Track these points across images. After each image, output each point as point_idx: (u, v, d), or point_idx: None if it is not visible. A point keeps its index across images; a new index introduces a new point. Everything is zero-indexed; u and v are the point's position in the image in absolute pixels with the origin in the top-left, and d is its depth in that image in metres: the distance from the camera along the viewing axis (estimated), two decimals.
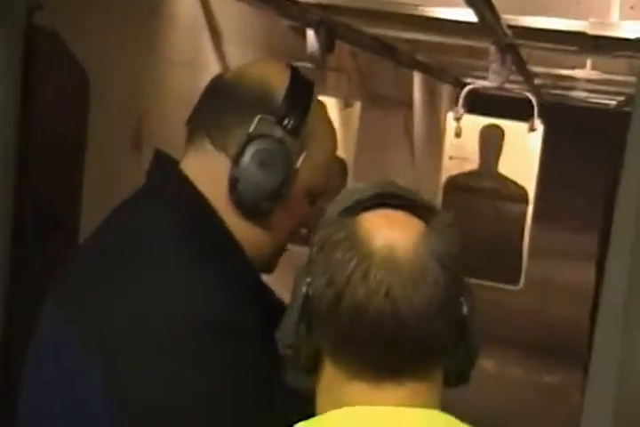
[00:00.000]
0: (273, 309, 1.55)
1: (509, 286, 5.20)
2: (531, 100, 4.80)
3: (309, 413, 1.25)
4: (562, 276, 11.11)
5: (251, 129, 1.53)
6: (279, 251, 1.66)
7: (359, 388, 1.19)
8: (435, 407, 1.20)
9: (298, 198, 1.59)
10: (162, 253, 1.53)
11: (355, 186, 1.28)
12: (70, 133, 2.59)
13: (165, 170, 1.62)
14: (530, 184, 5.46)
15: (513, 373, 7.36)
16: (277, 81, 1.57)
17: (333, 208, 1.24)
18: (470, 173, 5.58)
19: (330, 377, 1.22)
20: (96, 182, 2.75)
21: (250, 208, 1.56)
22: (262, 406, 1.47)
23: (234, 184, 1.54)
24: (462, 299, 1.21)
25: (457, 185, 5.66)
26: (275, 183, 1.54)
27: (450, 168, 5.66)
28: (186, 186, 1.58)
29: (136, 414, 1.42)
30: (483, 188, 5.65)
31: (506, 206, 5.57)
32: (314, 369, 1.24)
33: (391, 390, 1.18)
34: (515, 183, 5.49)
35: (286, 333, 1.24)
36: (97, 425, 1.45)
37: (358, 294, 1.15)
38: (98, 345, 1.45)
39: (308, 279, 1.21)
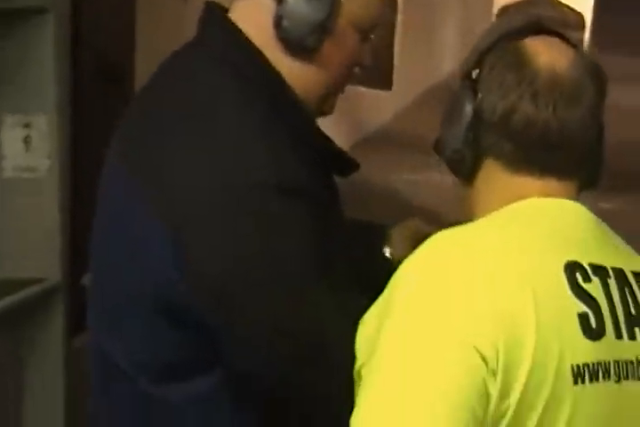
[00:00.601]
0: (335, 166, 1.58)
1: None
2: None
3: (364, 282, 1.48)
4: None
5: None
6: (334, 92, 1.66)
7: (527, 180, 1.43)
8: None
9: (347, 34, 1.58)
10: (221, 111, 1.54)
11: (510, 15, 1.65)
12: None
13: (215, 20, 1.62)
14: (587, 8, 5.35)
15: None
16: None
17: (491, 32, 1.48)
18: (524, 2, 5.46)
19: (494, 175, 1.45)
20: (146, 33, 2.75)
21: (297, 44, 1.56)
22: (326, 269, 1.52)
23: (279, 22, 1.54)
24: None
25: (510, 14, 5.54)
26: (318, 16, 1.54)
27: None
28: (236, 35, 1.58)
29: (206, 282, 1.48)
30: (538, 15, 5.53)
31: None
32: (473, 172, 1.47)
33: (554, 184, 1.43)
34: (571, 9, 5.38)
35: (454, 139, 1.46)
36: (169, 290, 1.50)
37: (529, 109, 1.39)
38: (165, 213, 1.49)
39: (480, 94, 1.43)
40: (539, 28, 1.46)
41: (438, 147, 1.51)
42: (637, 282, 1.40)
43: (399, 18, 8.08)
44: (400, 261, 1.82)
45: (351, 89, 1.71)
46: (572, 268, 1.33)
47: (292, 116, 1.57)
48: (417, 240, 1.79)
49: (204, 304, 1.49)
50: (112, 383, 1.65)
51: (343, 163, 1.67)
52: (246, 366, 1.53)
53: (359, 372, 1.38)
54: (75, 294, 2.60)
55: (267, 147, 1.51)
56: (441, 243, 1.37)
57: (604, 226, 1.46)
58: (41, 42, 2.52)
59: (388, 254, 1.88)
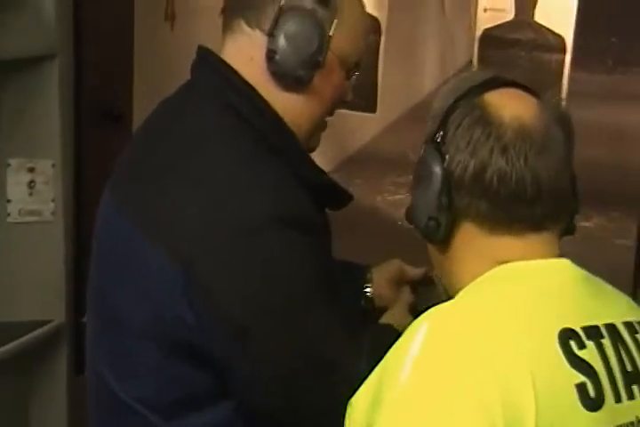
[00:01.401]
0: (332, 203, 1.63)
1: None
2: None
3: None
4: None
5: (282, 2, 1.59)
6: (321, 127, 1.72)
7: (506, 240, 1.39)
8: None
9: (334, 68, 1.64)
10: (214, 152, 1.58)
11: (463, 76, 1.51)
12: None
13: (207, 63, 1.67)
14: (567, 31, 5.40)
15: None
16: None
17: (448, 95, 1.44)
18: (506, 25, 5.53)
19: (471, 239, 1.41)
20: (143, 72, 2.79)
21: (289, 78, 1.61)
22: (332, 299, 1.58)
23: (271, 56, 1.59)
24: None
25: (492, 38, 5.62)
26: (310, 51, 1.60)
27: (484, 20, 5.60)
28: (229, 75, 1.63)
29: (219, 320, 1.51)
30: (519, 39, 5.60)
31: (543, 57, 5.53)
32: (449, 238, 1.42)
33: (535, 240, 1.39)
34: (552, 32, 5.43)
35: (427, 206, 1.41)
36: (180, 328, 1.53)
37: (501, 164, 1.36)
38: (173, 253, 1.52)
39: (447, 156, 1.39)
40: (497, 83, 1.43)
41: (411, 216, 1.46)
42: (630, 334, 1.38)
43: (382, 40, 8.14)
44: (380, 300, 1.86)
45: (336, 112, 1.76)
46: (565, 337, 1.31)
47: (289, 151, 1.62)
48: (398, 282, 1.89)
49: (216, 341, 1.52)
50: (121, 421, 1.66)
51: (338, 195, 1.73)
52: (258, 398, 1.57)
53: None
54: (78, 333, 2.64)
55: (265, 184, 1.55)
56: (432, 329, 1.30)
57: (592, 279, 1.44)
58: (46, 87, 2.56)
59: (369, 294, 1.90)
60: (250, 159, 1.57)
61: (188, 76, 1.70)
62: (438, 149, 1.39)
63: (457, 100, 1.41)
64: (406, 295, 1.86)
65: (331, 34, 1.61)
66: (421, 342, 1.28)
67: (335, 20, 1.61)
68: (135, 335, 1.59)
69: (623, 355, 1.35)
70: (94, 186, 1.80)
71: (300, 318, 1.54)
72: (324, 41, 1.60)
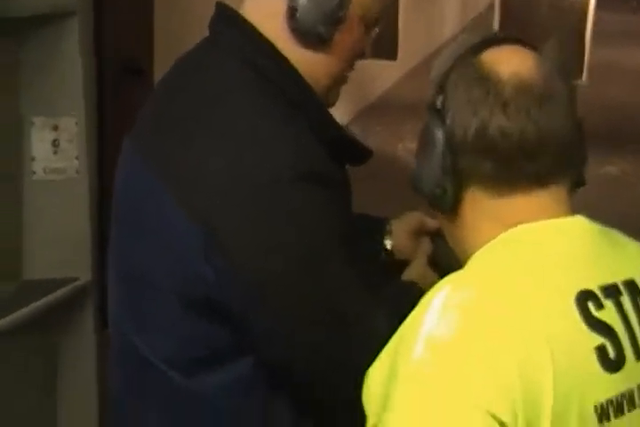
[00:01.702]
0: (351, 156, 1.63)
1: None
2: None
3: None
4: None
5: None
6: (339, 82, 1.71)
7: (515, 201, 1.37)
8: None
9: (354, 25, 1.63)
10: (236, 104, 1.58)
11: (461, 38, 1.47)
12: None
13: (226, 18, 1.67)
14: None
15: None
16: None
17: (447, 58, 1.43)
18: None
19: (479, 203, 1.39)
20: (163, 27, 2.77)
21: (310, 35, 1.61)
22: (352, 253, 1.58)
23: (292, 13, 1.58)
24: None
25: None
26: (331, 6, 1.59)
27: None
28: (248, 32, 1.63)
29: (239, 275, 1.52)
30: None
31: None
32: (457, 204, 1.41)
33: (544, 197, 1.37)
34: None
35: (432, 172, 1.40)
36: (199, 284, 1.54)
37: (501, 120, 1.34)
38: (193, 210, 1.53)
39: (448, 119, 1.37)
40: (494, 41, 1.42)
41: (416, 184, 1.45)
42: None
43: None
44: (400, 252, 1.87)
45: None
46: (583, 299, 1.30)
47: (307, 107, 1.62)
48: (417, 234, 1.90)
49: (235, 295, 1.53)
50: (142, 376, 1.68)
51: (357, 151, 1.72)
52: (277, 352, 1.58)
53: None
54: (104, 291, 2.65)
55: (286, 136, 1.56)
56: (446, 300, 1.29)
57: (608, 233, 1.43)
58: (67, 45, 2.55)
59: (389, 247, 1.92)
60: (271, 112, 1.58)
61: (207, 32, 1.69)
62: (439, 113, 1.38)
63: (453, 63, 1.40)
64: (426, 247, 1.86)
65: None
66: (436, 315, 1.27)
67: None
68: (156, 290, 1.60)
69: None
70: (118, 143, 1.80)
71: (320, 269, 1.54)
72: (346, 3, 1.59)
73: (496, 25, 6.54)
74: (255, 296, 1.53)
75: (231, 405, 1.62)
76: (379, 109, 8.61)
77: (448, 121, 1.37)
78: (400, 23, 7.61)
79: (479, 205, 1.39)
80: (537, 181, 1.36)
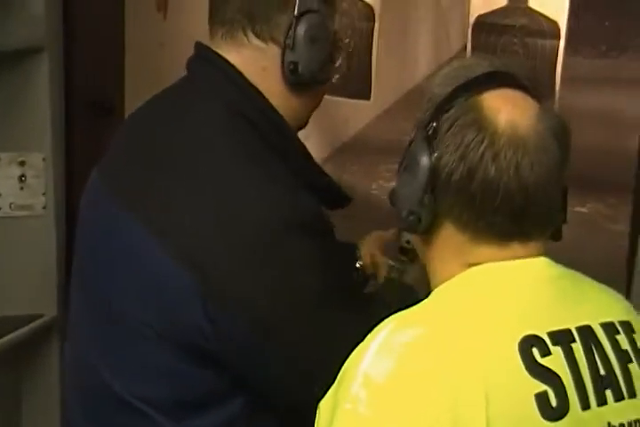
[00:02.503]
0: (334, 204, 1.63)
1: None
2: None
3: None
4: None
5: (295, 12, 1.55)
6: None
7: (487, 249, 1.35)
8: None
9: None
10: (221, 148, 1.55)
11: (463, 63, 1.44)
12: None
13: (206, 58, 1.64)
14: (562, 16, 5.38)
15: None
16: None
17: (446, 83, 1.38)
18: (499, 11, 5.51)
19: (451, 239, 1.37)
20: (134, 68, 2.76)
21: (310, 84, 1.60)
22: (345, 302, 1.58)
23: (294, 68, 1.56)
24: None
25: (486, 24, 5.59)
26: (327, 52, 1.59)
27: (478, 6, 5.58)
28: (229, 72, 1.60)
29: (236, 329, 1.50)
30: (512, 25, 5.58)
31: (537, 43, 5.51)
32: (429, 233, 1.39)
33: (518, 249, 1.35)
34: (546, 17, 5.42)
35: (410, 200, 1.37)
36: (197, 335, 1.51)
37: (490, 172, 1.30)
38: (187, 263, 1.49)
39: (437, 152, 1.33)
40: (498, 81, 1.37)
41: (394, 201, 1.44)
42: (607, 335, 1.34)
43: (376, 26, 8.11)
44: (368, 269, 1.97)
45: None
46: (527, 344, 1.27)
47: (292, 153, 1.62)
48: (378, 245, 2.00)
49: (234, 346, 1.51)
50: (118, 417, 1.63)
51: (337, 197, 1.73)
52: (284, 394, 1.57)
53: None
54: None
55: (280, 184, 1.54)
56: (386, 340, 1.28)
57: (571, 277, 1.40)
58: (36, 81, 2.54)
59: (358, 266, 2.00)
60: (256, 159, 1.55)
61: (182, 70, 1.68)
62: (429, 141, 1.34)
63: (455, 91, 1.35)
64: (383, 259, 1.96)
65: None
66: (375, 353, 1.26)
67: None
68: (141, 336, 1.56)
69: (597, 358, 1.31)
70: (85, 180, 1.79)
71: (318, 314, 1.54)
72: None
73: None
74: (256, 344, 1.51)
75: None
76: (353, 150, 8.64)
77: (436, 154, 1.33)
78: (374, 63, 7.65)
79: (450, 240, 1.37)
80: (514, 237, 1.35)
